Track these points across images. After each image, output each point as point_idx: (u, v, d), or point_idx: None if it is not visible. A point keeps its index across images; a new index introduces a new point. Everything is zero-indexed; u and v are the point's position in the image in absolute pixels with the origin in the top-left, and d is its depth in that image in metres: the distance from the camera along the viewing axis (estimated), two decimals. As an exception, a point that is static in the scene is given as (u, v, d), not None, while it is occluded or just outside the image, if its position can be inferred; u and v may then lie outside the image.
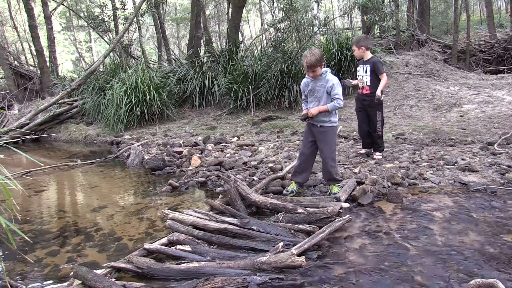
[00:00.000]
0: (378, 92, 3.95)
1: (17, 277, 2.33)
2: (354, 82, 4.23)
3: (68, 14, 20.73)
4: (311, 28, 9.04)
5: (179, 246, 2.45)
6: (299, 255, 2.16)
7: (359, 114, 4.30)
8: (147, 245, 2.44)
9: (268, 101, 8.48)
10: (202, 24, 10.75)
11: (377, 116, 4.10)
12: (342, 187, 3.31)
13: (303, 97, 3.48)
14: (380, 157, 4.18)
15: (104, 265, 2.31)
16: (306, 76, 3.33)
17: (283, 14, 8.51)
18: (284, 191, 3.42)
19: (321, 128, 3.29)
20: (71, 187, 4.82)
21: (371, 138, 4.29)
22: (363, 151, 4.44)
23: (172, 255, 2.38)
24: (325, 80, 3.22)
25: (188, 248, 2.42)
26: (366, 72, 4.05)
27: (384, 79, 4.02)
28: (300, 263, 2.07)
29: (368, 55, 4.09)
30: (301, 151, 3.46)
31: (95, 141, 8.50)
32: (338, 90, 3.20)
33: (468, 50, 10.60)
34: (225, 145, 5.81)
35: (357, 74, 4.20)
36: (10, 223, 1.86)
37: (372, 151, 4.35)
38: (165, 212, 2.97)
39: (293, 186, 3.43)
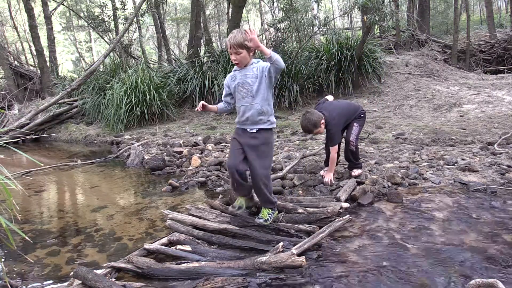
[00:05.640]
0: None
1: (17, 277, 2.33)
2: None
3: (68, 14, 20.75)
4: (311, 28, 9.05)
5: (179, 246, 2.45)
6: (299, 255, 2.16)
7: None
8: (147, 245, 2.44)
9: (268, 101, 8.50)
10: (202, 24, 10.75)
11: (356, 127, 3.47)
12: (272, 213, 2.68)
13: (222, 97, 2.65)
14: (360, 171, 3.57)
15: (104, 265, 2.31)
16: (234, 69, 2.60)
17: (283, 14, 8.52)
18: (230, 208, 2.82)
19: (257, 134, 2.47)
20: (71, 187, 4.82)
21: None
22: (323, 172, 3.69)
23: (172, 255, 2.38)
24: (258, 68, 2.44)
25: (188, 248, 2.42)
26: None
27: None
28: (300, 263, 2.07)
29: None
30: (230, 163, 2.53)
31: (95, 141, 8.50)
32: None
33: (468, 50, 10.61)
34: (225, 145, 5.80)
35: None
36: (10, 223, 1.86)
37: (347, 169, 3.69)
38: (165, 212, 2.97)
39: (241, 201, 2.74)
